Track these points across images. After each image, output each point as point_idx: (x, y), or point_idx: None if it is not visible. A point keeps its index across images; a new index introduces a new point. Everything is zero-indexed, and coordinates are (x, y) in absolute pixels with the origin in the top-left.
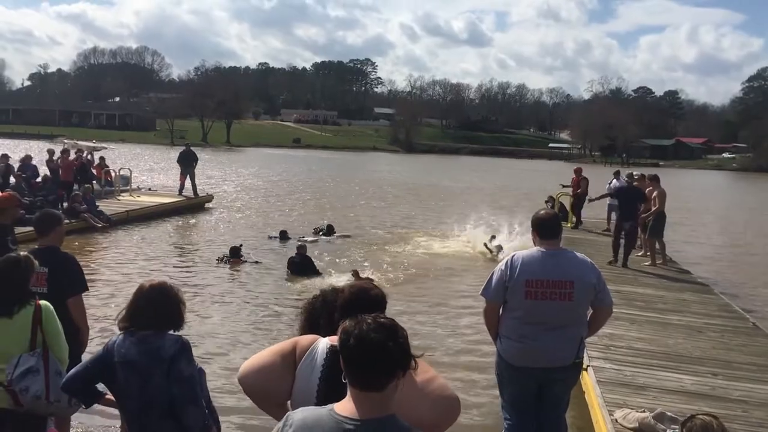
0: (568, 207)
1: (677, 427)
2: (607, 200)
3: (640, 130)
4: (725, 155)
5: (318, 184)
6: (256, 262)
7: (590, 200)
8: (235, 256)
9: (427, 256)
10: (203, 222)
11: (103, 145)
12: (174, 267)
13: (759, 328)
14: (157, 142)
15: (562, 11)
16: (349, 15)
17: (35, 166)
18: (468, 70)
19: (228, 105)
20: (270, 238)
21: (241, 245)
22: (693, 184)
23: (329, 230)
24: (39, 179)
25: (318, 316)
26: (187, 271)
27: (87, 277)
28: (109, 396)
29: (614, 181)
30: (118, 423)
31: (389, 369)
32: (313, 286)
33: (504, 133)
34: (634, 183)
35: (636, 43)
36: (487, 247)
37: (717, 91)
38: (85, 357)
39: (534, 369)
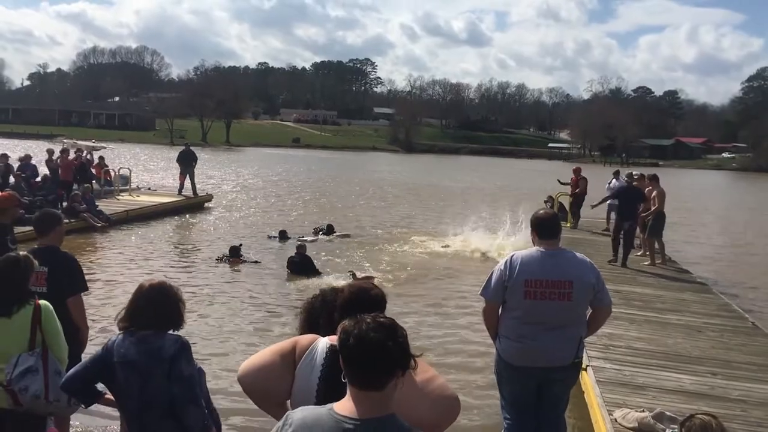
0: (567, 207)
1: (676, 426)
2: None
3: (639, 130)
4: (725, 155)
5: (318, 183)
6: (256, 262)
7: (593, 207)
8: (234, 256)
9: (426, 256)
10: (203, 222)
11: (103, 144)
12: (173, 266)
13: (758, 327)
14: (157, 142)
15: (561, 11)
16: (348, 15)
17: (35, 166)
18: (468, 70)
19: (227, 105)
20: (269, 237)
21: (240, 245)
22: (692, 183)
23: (329, 230)
24: (38, 179)
25: (317, 315)
26: (186, 271)
27: (86, 276)
28: (109, 396)
29: (614, 180)
30: (117, 423)
31: (389, 368)
32: (313, 285)
33: (503, 133)
34: (634, 183)
35: (636, 43)
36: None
37: (717, 91)
38: (85, 357)
39: (533, 368)
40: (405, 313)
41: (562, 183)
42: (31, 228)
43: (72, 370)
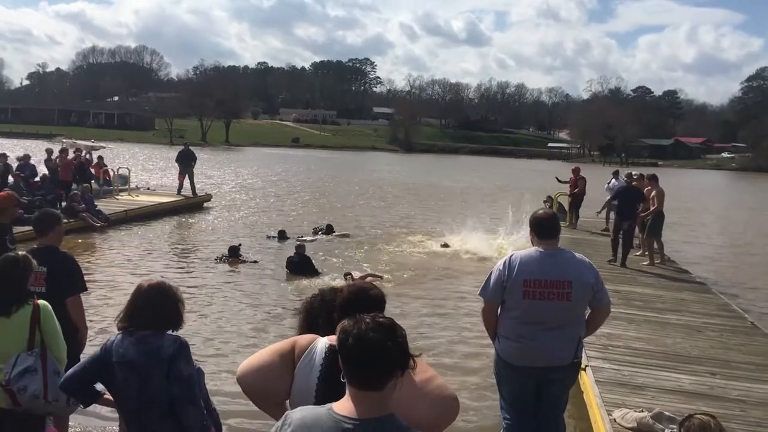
0: (566, 207)
1: (675, 426)
2: (606, 199)
3: (639, 129)
4: (724, 155)
5: (317, 183)
6: (255, 262)
7: (598, 213)
8: (233, 256)
9: (425, 256)
10: (202, 221)
11: (102, 144)
12: (172, 266)
13: (757, 327)
14: (156, 142)
15: (561, 11)
16: (348, 15)
17: (34, 166)
18: (467, 69)
19: (227, 104)
20: (268, 237)
21: (239, 245)
22: (692, 183)
23: (328, 230)
24: (37, 178)
25: (316, 315)
26: (185, 271)
27: (85, 276)
28: (108, 396)
29: (613, 180)
30: (116, 423)
31: (388, 368)
32: (312, 285)
33: (503, 133)
34: (633, 183)
35: (635, 42)
36: None
37: (716, 91)
38: (84, 357)
39: (533, 368)
40: (404, 314)
41: (560, 181)
42: (30, 228)
43: (71, 370)
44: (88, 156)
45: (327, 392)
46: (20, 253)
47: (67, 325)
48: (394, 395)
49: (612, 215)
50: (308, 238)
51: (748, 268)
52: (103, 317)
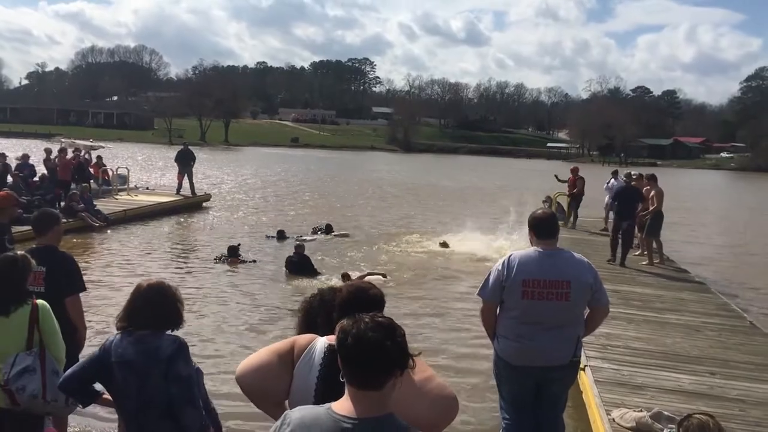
0: (565, 207)
1: (674, 426)
2: (605, 199)
3: (638, 129)
4: (723, 155)
5: (316, 183)
6: (254, 262)
7: (604, 227)
8: (232, 256)
9: (425, 256)
10: (201, 221)
11: (101, 144)
12: (171, 266)
13: (757, 326)
14: (155, 141)
15: (560, 10)
16: (347, 14)
17: (33, 165)
18: (466, 69)
19: (226, 104)
20: (268, 237)
21: (239, 244)
22: (691, 183)
23: (327, 229)
24: (36, 178)
25: (315, 315)
26: (184, 271)
27: (84, 276)
28: (107, 396)
29: (612, 180)
30: (115, 423)
31: (387, 368)
32: (311, 285)
33: (502, 133)
34: (632, 183)
35: (634, 42)
36: None
37: (715, 91)
38: (83, 357)
39: (532, 368)
40: (403, 314)
41: (559, 180)
42: (29, 227)
43: (69, 370)
44: (87, 156)
45: (326, 392)
46: (19, 252)
47: (66, 324)
48: (394, 395)
49: (611, 215)
50: (307, 238)
51: (748, 268)
52: (102, 317)
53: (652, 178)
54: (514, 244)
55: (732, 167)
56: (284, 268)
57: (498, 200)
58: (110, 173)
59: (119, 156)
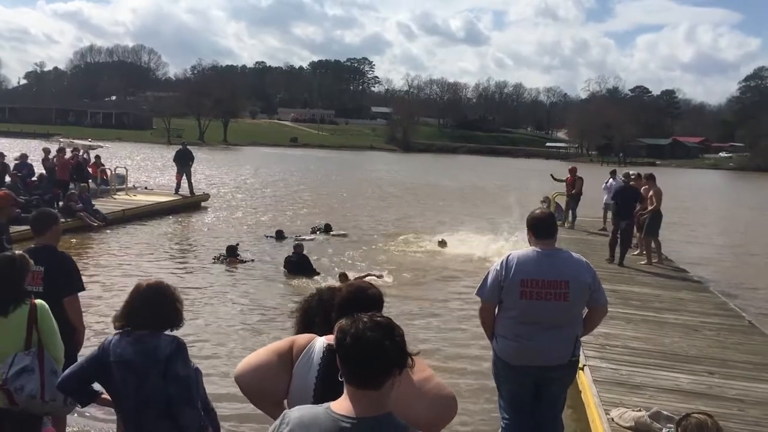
0: (563, 207)
1: (673, 425)
2: (603, 199)
3: (637, 129)
4: (722, 155)
5: (315, 183)
6: (253, 261)
7: (602, 227)
8: (231, 255)
9: (424, 255)
10: (199, 221)
11: (99, 143)
12: (170, 266)
13: (755, 326)
14: (154, 141)
15: (559, 10)
16: (346, 14)
17: (31, 165)
18: (465, 69)
19: (225, 104)
20: (266, 237)
21: (237, 244)
22: (690, 183)
23: (326, 229)
24: (35, 178)
25: (313, 314)
26: (183, 271)
27: (83, 276)
28: (105, 396)
29: (611, 180)
30: (114, 423)
31: (386, 367)
32: (310, 285)
33: (501, 133)
34: (631, 182)
35: (633, 42)
36: None
37: (714, 91)
38: (81, 357)
39: (530, 368)
40: (402, 313)
41: (555, 179)
42: (27, 227)
43: (68, 370)
44: (85, 155)
45: (325, 391)
46: (17, 252)
47: (65, 324)
48: (392, 394)
49: (609, 215)
50: (306, 238)
51: (746, 268)
52: (100, 317)
53: (651, 178)
54: (514, 245)
55: (731, 167)
56: (283, 268)
57: (497, 200)
58: (109, 173)
59: (118, 156)
